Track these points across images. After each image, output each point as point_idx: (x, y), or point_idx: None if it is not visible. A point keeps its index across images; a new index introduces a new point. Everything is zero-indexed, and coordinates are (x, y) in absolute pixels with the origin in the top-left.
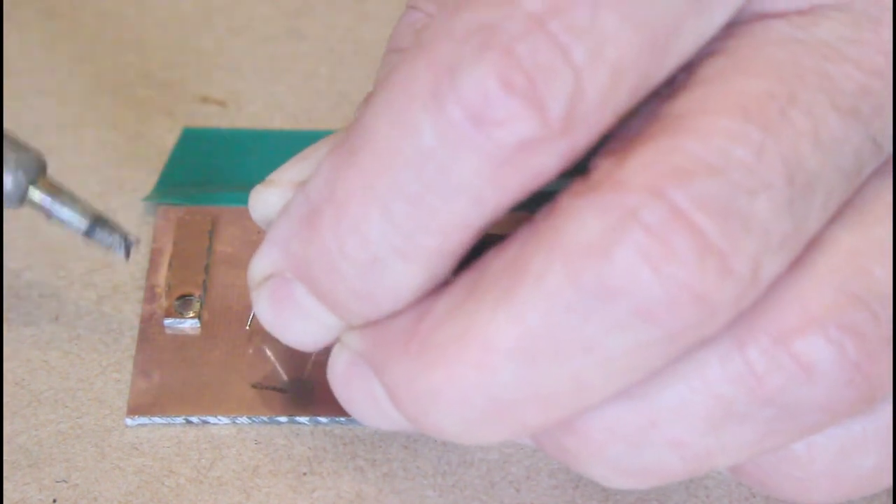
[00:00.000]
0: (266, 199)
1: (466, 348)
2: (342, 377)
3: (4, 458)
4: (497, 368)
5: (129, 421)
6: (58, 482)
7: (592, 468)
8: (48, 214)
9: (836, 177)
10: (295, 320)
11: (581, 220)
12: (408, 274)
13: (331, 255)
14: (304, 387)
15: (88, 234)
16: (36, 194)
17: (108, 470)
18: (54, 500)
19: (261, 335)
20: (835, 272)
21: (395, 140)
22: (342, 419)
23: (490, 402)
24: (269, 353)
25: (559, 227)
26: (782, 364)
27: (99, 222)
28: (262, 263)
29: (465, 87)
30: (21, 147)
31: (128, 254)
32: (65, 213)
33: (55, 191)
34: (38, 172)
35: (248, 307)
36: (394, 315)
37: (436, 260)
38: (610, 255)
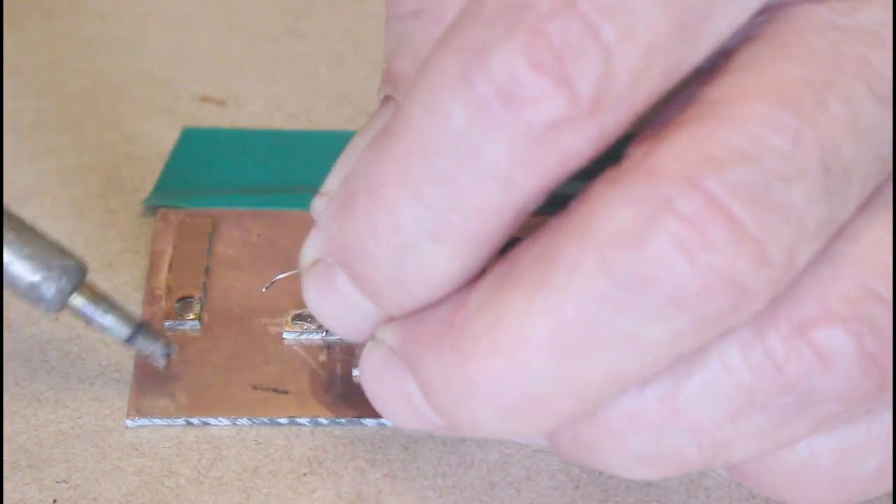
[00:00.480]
0: (321, 208)
1: (500, 340)
2: (374, 374)
3: (4, 458)
4: (531, 360)
5: (129, 422)
6: (58, 482)
7: (611, 458)
8: (88, 321)
9: (873, 165)
10: (337, 307)
11: (613, 209)
12: (441, 259)
13: (364, 240)
14: (307, 386)
15: (129, 341)
16: (77, 301)
17: (109, 470)
18: (54, 501)
19: (262, 334)
20: (856, 265)
21: (427, 123)
22: (342, 420)
23: (525, 394)
24: (274, 347)
25: (591, 215)
26: (802, 353)
27: (140, 330)
28: (308, 248)
29: (493, 67)
30: (65, 254)
31: (167, 361)
32: (106, 320)
33: (96, 298)
34: (79, 279)
35: (249, 309)
36: (429, 308)
37: (469, 246)
38: (644, 244)
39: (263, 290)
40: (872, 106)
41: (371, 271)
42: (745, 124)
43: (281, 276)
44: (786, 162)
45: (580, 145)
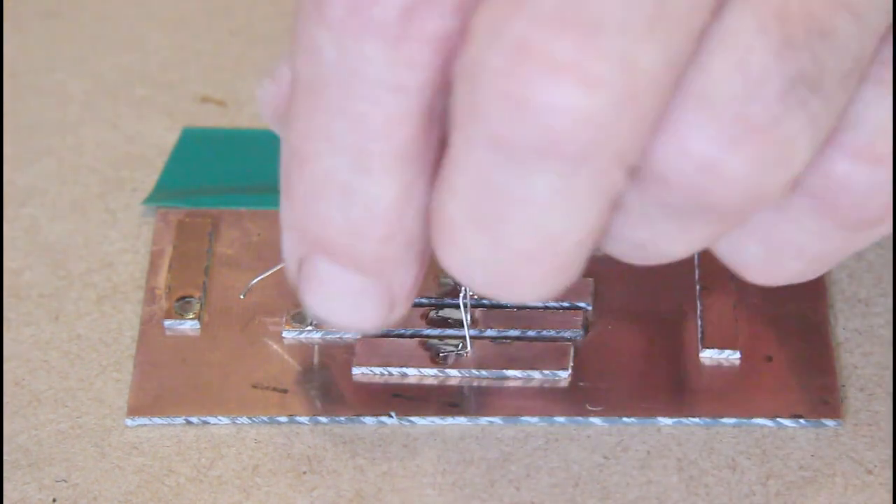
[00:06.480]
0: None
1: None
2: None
3: (4, 457)
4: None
5: (129, 421)
6: (58, 482)
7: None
8: None
9: None
10: (330, 296)
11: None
12: (379, 188)
13: (311, 205)
14: (307, 385)
15: None
16: None
17: (108, 469)
18: (54, 500)
19: (261, 333)
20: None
21: (307, 67)
22: (342, 418)
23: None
24: (274, 346)
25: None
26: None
27: None
28: (287, 256)
29: None
30: None
31: None
32: None
33: None
34: None
35: (249, 308)
36: None
37: (398, 165)
38: (489, 108)
39: (241, 297)
40: None
41: (331, 234)
42: None
43: (257, 280)
44: None
45: (443, 22)
